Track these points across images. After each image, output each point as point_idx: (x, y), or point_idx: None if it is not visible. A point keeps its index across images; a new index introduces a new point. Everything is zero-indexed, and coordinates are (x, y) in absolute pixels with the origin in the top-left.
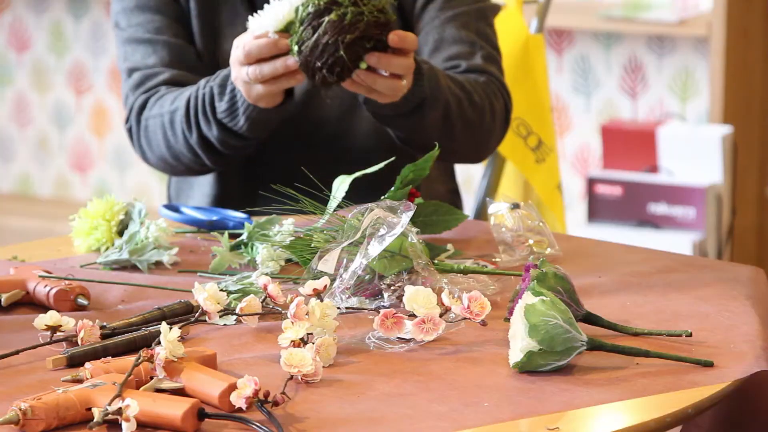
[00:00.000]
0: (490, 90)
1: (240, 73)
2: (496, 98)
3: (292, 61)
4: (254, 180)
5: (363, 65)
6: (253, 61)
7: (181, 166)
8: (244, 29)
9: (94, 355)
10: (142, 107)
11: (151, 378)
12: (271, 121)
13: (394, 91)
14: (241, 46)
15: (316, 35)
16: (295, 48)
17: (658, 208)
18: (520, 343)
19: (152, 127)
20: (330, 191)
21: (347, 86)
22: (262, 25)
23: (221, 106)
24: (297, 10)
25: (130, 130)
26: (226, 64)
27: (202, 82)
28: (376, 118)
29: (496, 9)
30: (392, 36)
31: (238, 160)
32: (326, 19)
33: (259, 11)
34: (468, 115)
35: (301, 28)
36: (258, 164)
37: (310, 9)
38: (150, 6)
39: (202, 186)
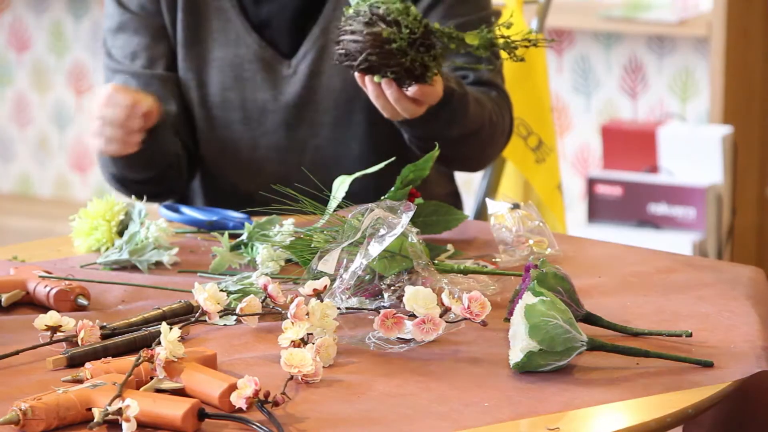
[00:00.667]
0: (502, 106)
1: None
2: (505, 113)
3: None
4: (249, 184)
5: (376, 79)
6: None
7: (138, 195)
8: (236, 35)
9: (95, 355)
10: None
11: (152, 378)
12: (142, 160)
13: (388, 114)
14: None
15: (360, 28)
16: (351, 10)
17: (658, 209)
18: (520, 343)
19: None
20: (326, 194)
21: (357, 77)
22: None
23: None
24: None
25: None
26: (216, 72)
27: None
28: (396, 121)
29: (498, 15)
30: (415, 90)
31: (173, 189)
32: (379, 29)
33: (251, 18)
34: (485, 135)
35: (365, 8)
36: (255, 170)
37: (381, 9)
38: (130, 27)
39: (196, 195)
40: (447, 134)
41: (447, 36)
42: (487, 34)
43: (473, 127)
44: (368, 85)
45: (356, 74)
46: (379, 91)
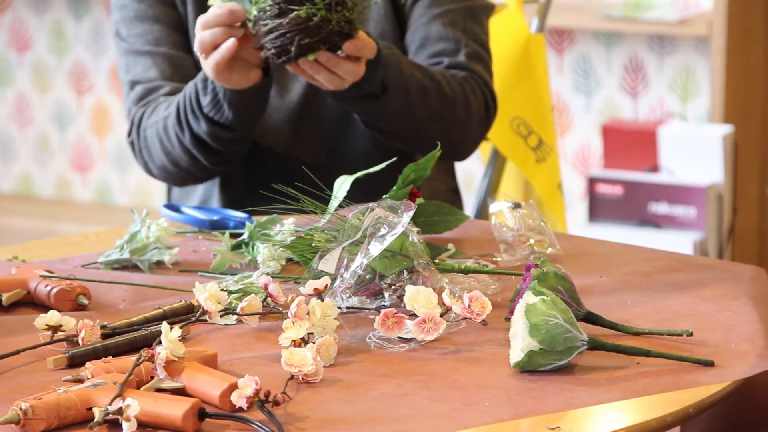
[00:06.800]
0: (468, 85)
1: (196, 48)
2: (474, 94)
3: (236, 32)
4: (253, 182)
5: (311, 57)
6: (208, 29)
7: (182, 172)
8: None
9: (95, 354)
10: (141, 119)
11: (152, 378)
12: (254, 105)
13: (335, 85)
14: (198, 20)
15: (277, 22)
16: (254, 12)
17: (659, 208)
18: (520, 342)
19: (150, 137)
20: (328, 193)
21: (289, 68)
22: None
23: (205, 100)
24: None
25: (132, 143)
26: None
27: (189, 83)
28: (335, 99)
29: (489, 9)
30: (348, 45)
31: (237, 158)
32: (294, 12)
33: None
34: (436, 105)
35: (269, 2)
36: (257, 167)
37: None
38: (149, 16)
39: (201, 189)
40: (387, 100)
41: None
42: None
43: (413, 89)
44: (304, 67)
45: (289, 67)
46: (317, 67)
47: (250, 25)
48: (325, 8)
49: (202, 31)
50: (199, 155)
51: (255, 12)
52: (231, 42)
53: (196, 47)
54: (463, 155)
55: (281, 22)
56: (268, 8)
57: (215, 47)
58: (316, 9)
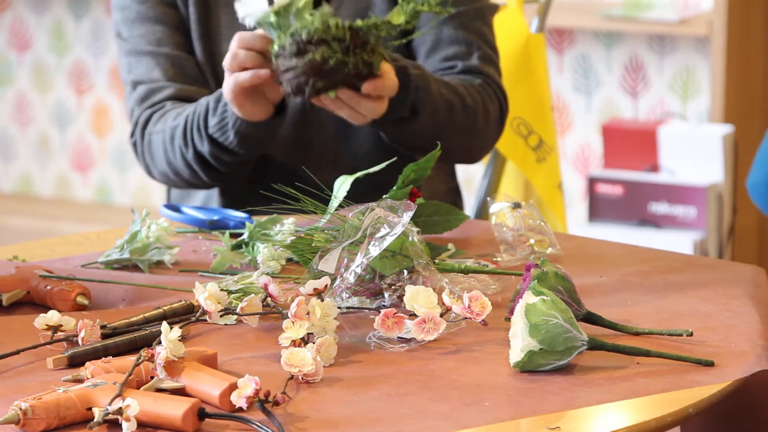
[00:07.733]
0: (485, 93)
1: (225, 61)
2: (491, 101)
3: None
4: (255, 182)
5: (332, 94)
6: (243, 48)
7: (181, 181)
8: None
9: (95, 354)
10: (147, 122)
11: (152, 378)
12: (261, 138)
13: (357, 121)
14: (237, 36)
15: (294, 62)
16: (275, 47)
17: (659, 208)
18: (520, 342)
19: (155, 143)
20: (329, 193)
21: (312, 100)
22: (249, 12)
23: (213, 120)
24: (290, 7)
25: (134, 145)
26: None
27: (203, 99)
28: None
29: (494, 9)
30: (367, 85)
31: (239, 177)
32: (310, 55)
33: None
34: (460, 119)
35: (288, 40)
36: (258, 167)
37: (303, 35)
38: (150, 17)
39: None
40: (417, 122)
41: (374, 26)
42: (409, 5)
43: (442, 108)
44: (326, 103)
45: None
46: (339, 103)
47: (273, 58)
48: (342, 51)
49: (237, 49)
50: (200, 171)
51: (276, 48)
52: (263, 72)
53: (226, 61)
54: (478, 159)
55: (296, 64)
56: (287, 45)
57: (243, 68)
58: (332, 52)
